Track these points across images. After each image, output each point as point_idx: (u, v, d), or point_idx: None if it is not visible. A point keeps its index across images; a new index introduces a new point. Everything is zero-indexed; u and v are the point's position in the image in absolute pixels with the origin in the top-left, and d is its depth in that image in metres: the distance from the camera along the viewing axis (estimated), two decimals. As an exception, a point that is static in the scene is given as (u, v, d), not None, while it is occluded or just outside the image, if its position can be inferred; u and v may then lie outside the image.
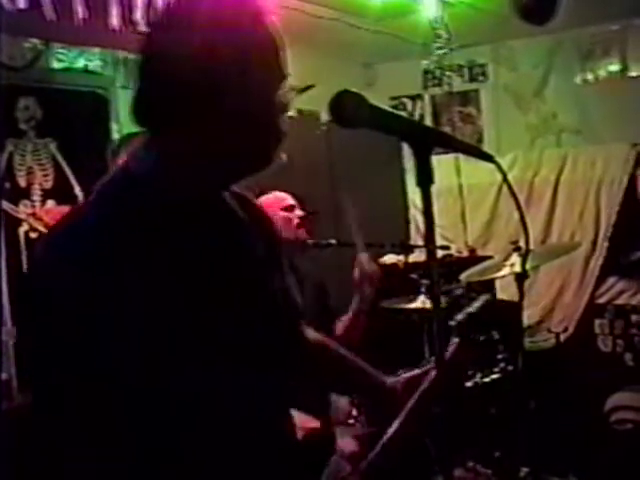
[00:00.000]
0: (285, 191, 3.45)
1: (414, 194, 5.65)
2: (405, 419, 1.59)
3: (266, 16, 1.32)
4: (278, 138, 1.33)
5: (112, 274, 1.14)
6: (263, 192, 3.45)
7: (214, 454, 1.26)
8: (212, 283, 1.26)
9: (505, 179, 1.35)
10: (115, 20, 3.56)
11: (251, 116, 1.27)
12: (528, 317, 5.09)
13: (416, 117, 6.03)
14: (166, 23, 1.29)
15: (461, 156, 5.36)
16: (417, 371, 1.69)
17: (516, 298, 3.27)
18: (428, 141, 1.21)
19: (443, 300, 2.62)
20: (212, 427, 1.25)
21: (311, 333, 1.65)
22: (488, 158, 1.34)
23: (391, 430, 1.61)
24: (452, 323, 1.73)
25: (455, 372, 1.60)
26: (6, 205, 3.42)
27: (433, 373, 1.61)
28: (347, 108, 1.13)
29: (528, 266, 3.15)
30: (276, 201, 3.35)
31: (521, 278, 2.82)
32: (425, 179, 1.19)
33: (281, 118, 1.31)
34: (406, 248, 3.94)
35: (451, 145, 1.32)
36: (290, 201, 3.35)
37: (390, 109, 1.25)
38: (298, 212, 3.34)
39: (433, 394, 1.59)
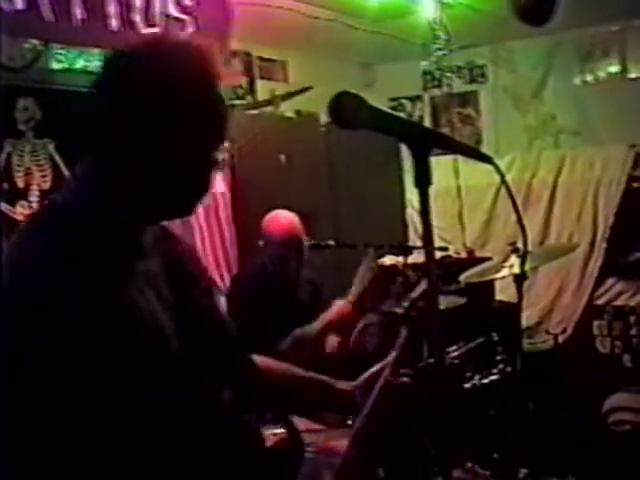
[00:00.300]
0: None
1: (412, 195, 5.65)
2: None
3: (219, 83, 1.34)
4: (199, 193, 1.36)
5: (38, 303, 1.15)
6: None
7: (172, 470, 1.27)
8: (141, 310, 1.28)
9: (503, 180, 1.35)
10: (114, 21, 3.56)
11: (179, 167, 1.31)
12: (527, 318, 5.09)
13: (415, 118, 6.04)
14: (125, 62, 1.32)
15: (459, 157, 5.38)
16: (376, 367, 1.73)
17: (515, 299, 3.27)
18: (426, 142, 1.21)
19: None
20: (165, 439, 1.26)
21: (257, 359, 1.67)
22: (486, 159, 1.34)
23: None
24: (399, 310, 1.74)
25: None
26: (3, 206, 3.41)
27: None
28: (346, 109, 1.13)
29: (526, 267, 3.14)
30: (274, 244, 3.39)
31: (520, 279, 2.82)
32: (423, 180, 1.19)
33: (209, 175, 1.35)
34: (404, 249, 3.93)
35: (449, 146, 1.31)
36: (287, 250, 3.38)
37: (389, 110, 1.25)
38: (292, 266, 3.39)
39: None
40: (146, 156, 1.28)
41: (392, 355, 1.70)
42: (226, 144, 1.39)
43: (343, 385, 1.75)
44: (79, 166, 1.36)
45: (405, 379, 1.70)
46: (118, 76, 1.31)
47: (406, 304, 1.80)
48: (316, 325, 3.33)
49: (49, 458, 1.15)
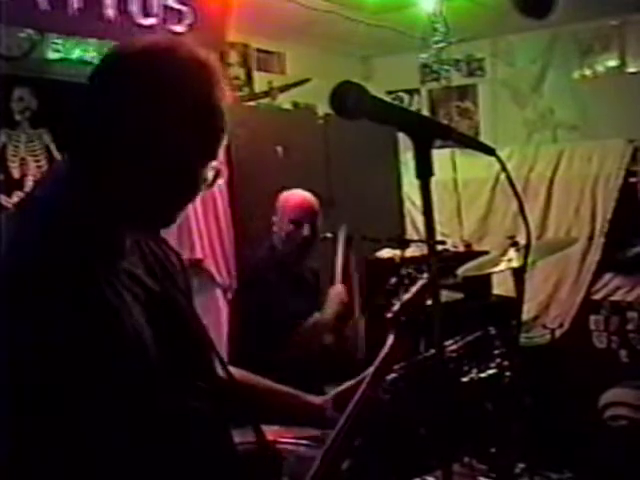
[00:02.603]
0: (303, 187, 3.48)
1: (409, 188, 5.64)
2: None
3: (222, 100, 1.30)
4: (181, 205, 1.33)
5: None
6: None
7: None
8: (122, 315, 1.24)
9: (504, 169, 1.33)
10: (110, 10, 3.53)
11: (164, 177, 1.27)
12: (524, 312, 5.08)
13: (413, 111, 6.02)
14: (122, 62, 1.29)
15: (457, 151, 5.38)
16: (350, 383, 1.74)
17: (512, 293, 3.25)
18: (429, 133, 1.19)
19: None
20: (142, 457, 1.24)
21: (231, 369, 1.66)
22: (489, 151, 1.32)
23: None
24: (389, 315, 1.72)
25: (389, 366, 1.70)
26: (-1, 196, 3.40)
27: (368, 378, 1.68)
28: (348, 99, 1.11)
29: (523, 261, 3.13)
30: (288, 209, 3.35)
31: (520, 272, 2.81)
32: (425, 171, 1.17)
33: (194, 189, 1.32)
34: (402, 242, 3.92)
35: (452, 137, 1.29)
36: (301, 214, 3.33)
37: (391, 101, 1.23)
38: (305, 231, 3.34)
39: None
40: (132, 162, 1.24)
41: (371, 369, 1.68)
42: (215, 163, 1.36)
43: (314, 399, 1.75)
44: (64, 160, 1.33)
45: (385, 396, 1.70)
46: (113, 76, 1.27)
47: (396, 308, 1.78)
48: (328, 313, 3.33)
49: (25, 459, 1.13)
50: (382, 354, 1.69)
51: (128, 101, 1.23)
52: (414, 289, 1.81)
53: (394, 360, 1.71)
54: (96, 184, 1.26)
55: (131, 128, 1.23)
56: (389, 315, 1.76)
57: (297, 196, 3.44)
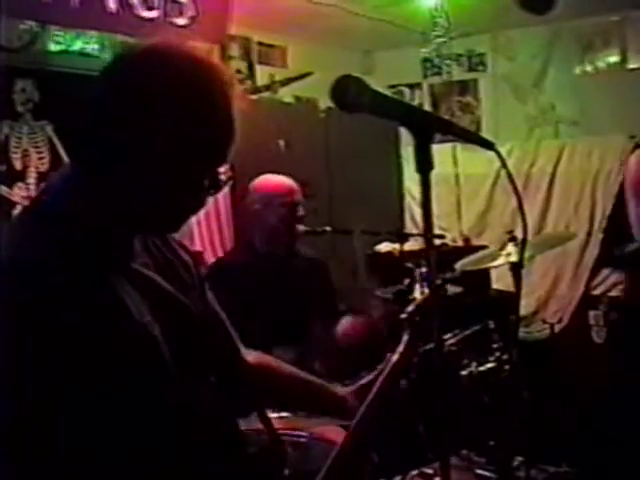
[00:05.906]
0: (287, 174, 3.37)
1: (410, 183, 5.65)
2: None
3: (230, 105, 1.29)
4: (189, 213, 1.33)
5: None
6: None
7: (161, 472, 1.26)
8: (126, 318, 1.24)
9: (504, 165, 1.34)
10: (112, 3, 3.53)
11: (171, 186, 1.26)
12: (523, 307, 5.10)
13: (414, 106, 6.02)
14: (131, 67, 1.26)
15: (458, 145, 5.38)
16: (370, 377, 1.72)
17: (511, 288, 3.26)
18: (429, 127, 1.20)
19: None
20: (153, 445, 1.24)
21: (251, 355, 1.65)
22: (488, 145, 1.33)
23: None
24: (404, 315, 1.74)
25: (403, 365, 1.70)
26: (1, 188, 3.40)
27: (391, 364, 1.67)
28: (349, 93, 1.12)
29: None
30: (278, 193, 3.23)
31: (517, 267, 2.81)
32: (425, 165, 1.18)
33: (203, 195, 1.31)
34: (402, 236, 3.92)
35: (452, 132, 1.30)
36: (294, 195, 3.22)
37: (391, 95, 1.24)
38: (301, 211, 3.22)
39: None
40: (138, 171, 1.23)
41: (387, 368, 1.68)
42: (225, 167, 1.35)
43: (337, 390, 1.74)
44: (70, 164, 1.31)
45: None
46: (121, 81, 1.24)
47: (410, 308, 1.79)
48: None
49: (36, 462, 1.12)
50: (398, 353, 1.69)
51: (133, 110, 1.21)
52: (428, 290, 1.83)
53: (409, 359, 1.71)
54: (101, 190, 1.25)
55: (135, 137, 1.21)
56: (404, 315, 1.77)
57: (279, 179, 3.27)
